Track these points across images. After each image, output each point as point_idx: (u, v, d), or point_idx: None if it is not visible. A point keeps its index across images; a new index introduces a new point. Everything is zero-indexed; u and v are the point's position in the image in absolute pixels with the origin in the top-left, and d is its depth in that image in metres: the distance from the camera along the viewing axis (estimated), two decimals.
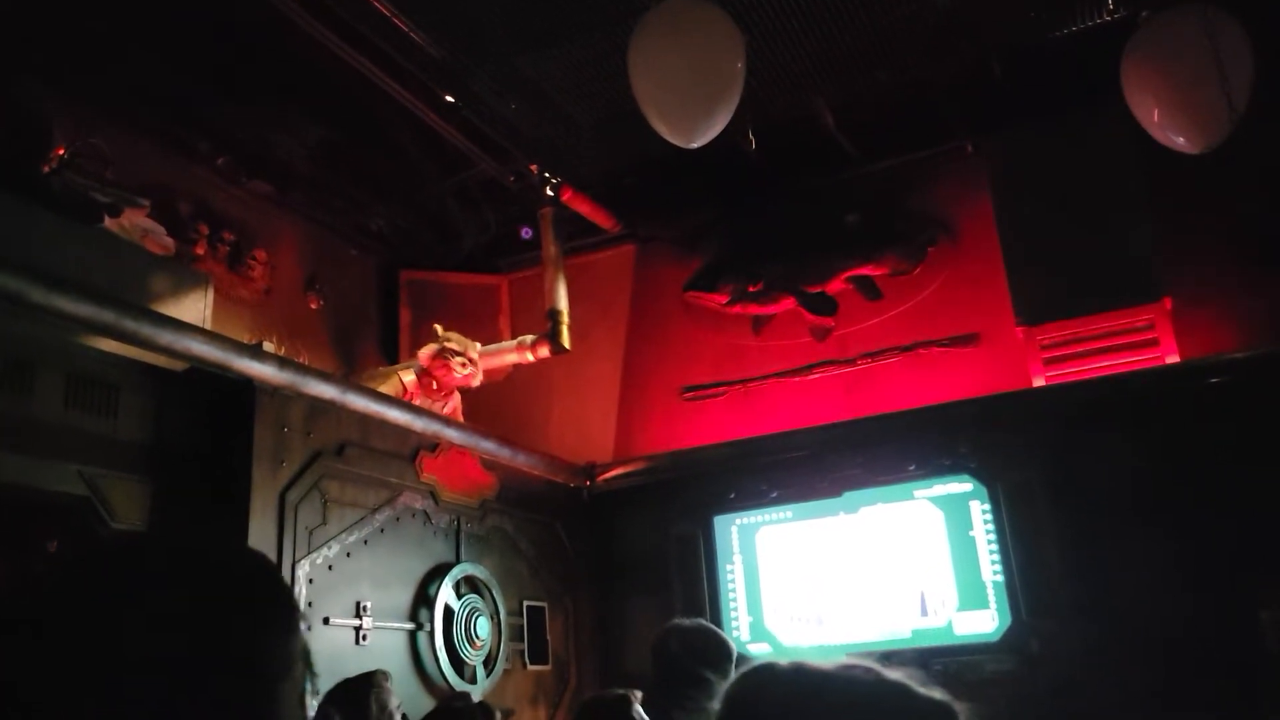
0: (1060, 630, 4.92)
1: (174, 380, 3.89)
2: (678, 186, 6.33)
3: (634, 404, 6.63)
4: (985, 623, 5.18)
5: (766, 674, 0.88)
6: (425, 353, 5.71)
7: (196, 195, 5.49)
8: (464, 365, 5.71)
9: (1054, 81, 5.36)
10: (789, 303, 6.34)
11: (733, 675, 0.93)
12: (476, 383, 5.84)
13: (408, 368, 5.81)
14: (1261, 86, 4.19)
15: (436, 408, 5.67)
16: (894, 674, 0.84)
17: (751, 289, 6.40)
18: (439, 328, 5.81)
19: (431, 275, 6.93)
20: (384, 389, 5.36)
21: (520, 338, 6.22)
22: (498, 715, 3.31)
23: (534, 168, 5.93)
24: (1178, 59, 4.14)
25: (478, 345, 5.89)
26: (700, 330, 6.58)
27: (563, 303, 6.12)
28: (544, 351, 6.08)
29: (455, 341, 5.75)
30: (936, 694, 0.83)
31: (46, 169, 4.28)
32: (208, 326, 4.24)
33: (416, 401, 5.54)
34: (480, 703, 3.42)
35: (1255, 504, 4.58)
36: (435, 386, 5.72)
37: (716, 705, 0.87)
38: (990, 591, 5.20)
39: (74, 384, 3.54)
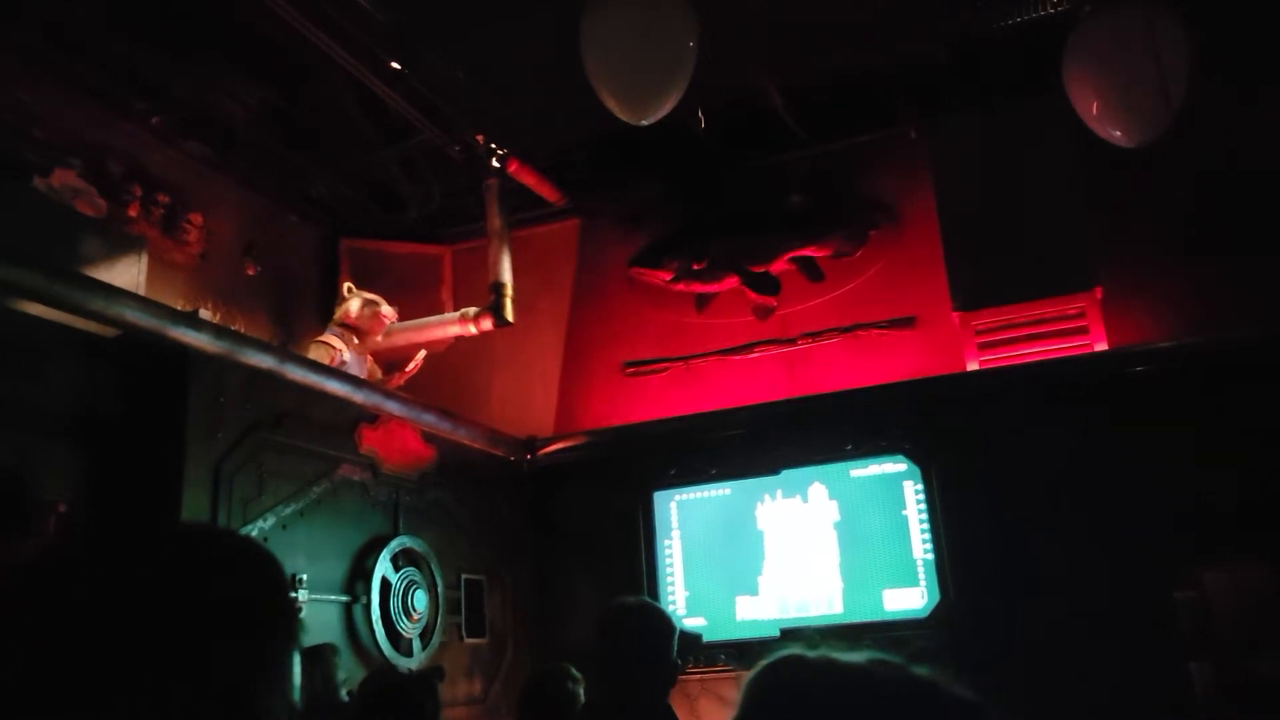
0: (987, 608, 5.07)
1: (106, 347, 3.79)
2: (625, 162, 6.31)
3: (576, 378, 6.63)
4: (915, 599, 5.31)
5: (794, 667, 0.84)
6: (354, 311, 5.72)
7: (130, 155, 5.31)
8: (390, 310, 5.81)
9: (997, 71, 5.46)
10: (732, 281, 6.37)
11: (758, 666, 0.89)
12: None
13: (330, 333, 5.75)
14: (1196, 83, 4.32)
15: (369, 363, 5.74)
16: (921, 670, 0.82)
17: (695, 266, 6.42)
18: (349, 286, 5.84)
19: (373, 244, 6.82)
20: (314, 356, 5.30)
21: (463, 310, 6.17)
22: (439, 685, 3.24)
23: (480, 138, 5.86)
24: (1119, 55, 4.25)
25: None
26: (643, 306, 6.59)
27: (506, 275, 6.08)
28: (486, 324, 6.04)
29: (367, 292, 5.83)
30: (964, 692, 0.81)
31: None
32: (142, 292, 4.13)
33: (349, 358, 5.52)
34: (421, 674, 3.34)
35: (1173, 489, 4.75)
36: (356, 341, 5.73)
37: (737, 695, 0.83)
38: (920, 569, 5.33)
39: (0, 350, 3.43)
